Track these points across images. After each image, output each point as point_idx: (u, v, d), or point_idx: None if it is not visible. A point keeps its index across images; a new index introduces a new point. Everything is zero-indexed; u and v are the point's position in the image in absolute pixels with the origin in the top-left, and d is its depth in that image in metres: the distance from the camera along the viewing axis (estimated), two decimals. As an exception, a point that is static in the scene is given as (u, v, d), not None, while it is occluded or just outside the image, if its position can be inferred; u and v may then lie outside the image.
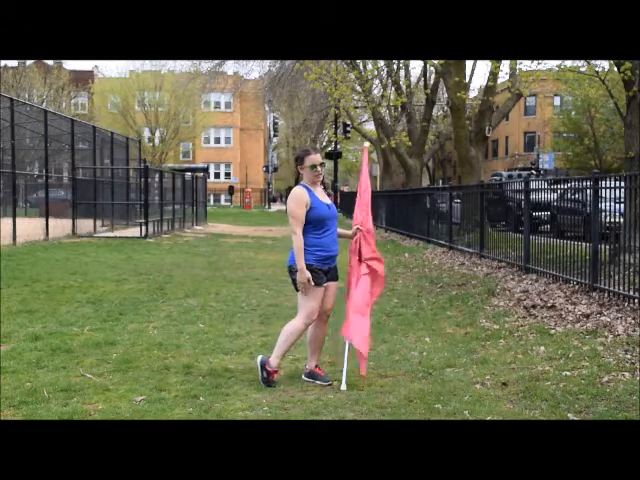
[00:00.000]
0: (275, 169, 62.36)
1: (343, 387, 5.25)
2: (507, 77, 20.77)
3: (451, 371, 5.72)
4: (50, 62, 53.00)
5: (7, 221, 16.31)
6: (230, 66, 41.48)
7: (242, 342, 6.76)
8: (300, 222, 5.35)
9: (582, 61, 15.79)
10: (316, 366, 5.57)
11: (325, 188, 5.62)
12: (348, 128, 41.63)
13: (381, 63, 25.13)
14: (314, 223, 5.38)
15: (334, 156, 47.00)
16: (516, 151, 58.00)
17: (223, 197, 65.28)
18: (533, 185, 11.53)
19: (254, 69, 71.45)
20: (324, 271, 5.40)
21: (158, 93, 55.58)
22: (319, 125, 49.73)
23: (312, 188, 5.47)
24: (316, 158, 5.45)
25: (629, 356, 5.99)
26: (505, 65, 19.94)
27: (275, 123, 58.89)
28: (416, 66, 38.85)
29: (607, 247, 9.07)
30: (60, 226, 19.24)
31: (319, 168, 5.43)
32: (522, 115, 56.03)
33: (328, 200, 5.56)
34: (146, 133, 55.85)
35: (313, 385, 5.37)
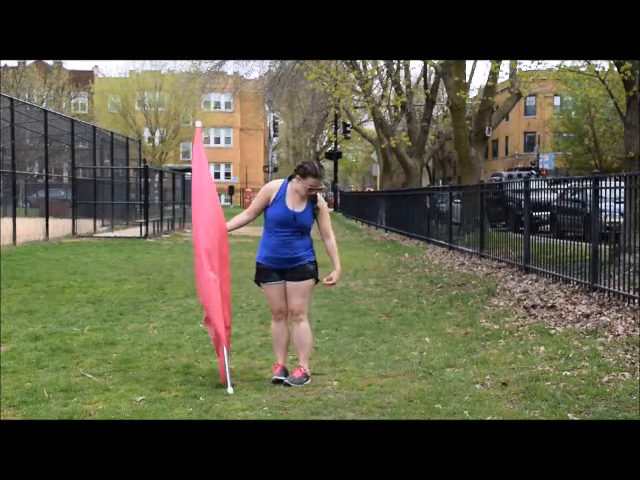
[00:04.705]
0: (275, 169, 62.35)
1: (230, 390, 5.10)
2: (507, 77, 20.77)
3: (451, 371, 5.72)
4: (50, 62, 53.02)
5: (7, 221, 16.30)
6: (230, 66, 41.41)
7: (242, 342, 6.76)
8: (252, 208, 5.40)
9: (582, 61, 15.79)
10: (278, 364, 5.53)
11: (315, 201, 5.32)
12: (348, 128, 41.67)
13: (381, 63, 25.13)
14: (266, 221, 5.37)
15: (334, 156, 47.05)
16: (516, 151, 58.00)
17: (223, 197, 65.31)
18: (533, 185, 11.53)
19: (254, 69, 71.38)
20: (273, 270, 5.34)
21: (158, 93, 55.65)
22: (319, 125, 49.82)
23: (294, 192, 5.28)
24: (316, 183, 5.22)
25: (629, 356, 5.99)
26: (505, 65, 19.96)
27: (275, 123, 58.92)
28: (416, 66, 38.84)
29: (607, 247, 9.07)
30: (60, 226, 19.24)
31: (314, 192, 5.26)
32: (522, 115, 56.02)
33: (300, 208, 5.27)
34: (146, 133, 55.91)
35: (311, 385, 5.36)
